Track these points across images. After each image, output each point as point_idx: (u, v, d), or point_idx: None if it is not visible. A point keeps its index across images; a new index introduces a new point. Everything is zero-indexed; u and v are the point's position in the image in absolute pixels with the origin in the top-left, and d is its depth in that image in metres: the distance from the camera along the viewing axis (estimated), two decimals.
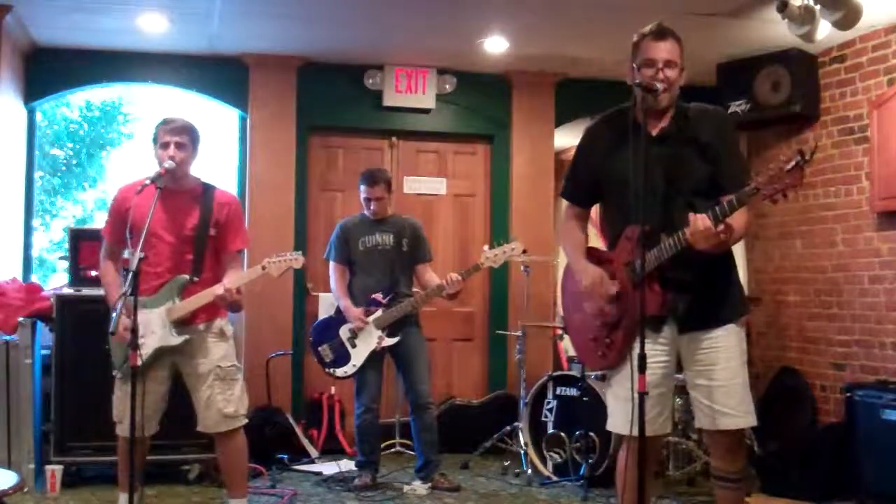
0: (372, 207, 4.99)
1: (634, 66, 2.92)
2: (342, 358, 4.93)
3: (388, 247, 4.99)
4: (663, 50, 2.89)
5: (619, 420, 2.96)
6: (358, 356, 4.90)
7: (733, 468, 2.99)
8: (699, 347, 2.93)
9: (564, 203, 3.28)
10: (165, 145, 3.68)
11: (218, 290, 3.63)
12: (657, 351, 2.92)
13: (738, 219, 2.74)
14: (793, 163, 2.48)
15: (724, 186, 2.83)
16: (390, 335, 4.88)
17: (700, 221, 2.65)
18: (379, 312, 4.90)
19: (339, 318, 4.99)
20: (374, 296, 4.93)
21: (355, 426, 5.01)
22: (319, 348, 4.99)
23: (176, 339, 3.67)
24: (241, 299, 3.69)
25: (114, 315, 3.47)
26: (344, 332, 4.94)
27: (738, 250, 3.11)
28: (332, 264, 5.08)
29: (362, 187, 5.01)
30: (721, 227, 2.66)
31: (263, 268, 3.74)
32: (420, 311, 5.09)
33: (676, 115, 2.95)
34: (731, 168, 2.88)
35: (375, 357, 4.91)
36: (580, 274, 3.08)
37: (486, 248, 4.92)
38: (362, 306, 4.92)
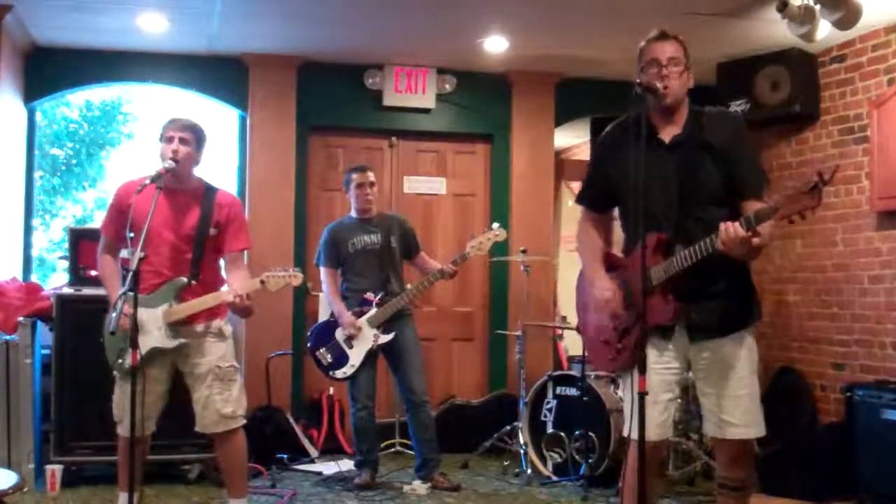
0: (366, 194, 5.02)
1: (640, 70, 2.92)
2: (340, 359, 4.95)
3: (377, 246, 5.02)
4: (665, 50, 2.89)
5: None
6: (356, 356, 4.92)
7: (737, 477, 2.98)
8: (710, 355, 2.92)
9: (581, 208, 3.26)
10: (169, 140, 3.69)
11: (227, 296, 3.63)
12: (667, 357, 2.92)
13: (765, 227, 2.70)
14: (813, 185, 2.47)
15: (740, 193, 2.81)
16: (385, 332, 4.91)
17: (732, 230, 2.62)
18: (372, 311, 4.92)
19: (334, 321, 5.03)
20: (366, 295, 4.95)
21: (352, 425, 5.03)
22: (317, 352, 5.01)
23: (171, 343, 3.66)
24: (252, 305, 3.69)
25: (113, 315, 3.47)
26: (340, 335, 4.97)
27: None
28: (323, 269, 5.11)
29: (354, 176, 5.05)
30: (751, 233, 2.62)
31: (262, 282, 3.72)
32: (413, 309, 5.13)
33: (690, 121, 2.94)
34: (748, 174, 2.85)
35: (371, 355, 4.94)
36: (593, 284, 3.07)
37: (470, 238, 4.97)
38: (356, 307, 4.95)
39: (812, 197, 2.48)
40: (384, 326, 4.91)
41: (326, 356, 4.98)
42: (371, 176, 5.08)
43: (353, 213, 5.12)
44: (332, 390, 6.00)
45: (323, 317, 6.01)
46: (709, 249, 2.72)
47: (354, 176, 5.05)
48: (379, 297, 4.94)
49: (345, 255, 5.04)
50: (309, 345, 5.09)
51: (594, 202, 3.19)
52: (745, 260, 2.82)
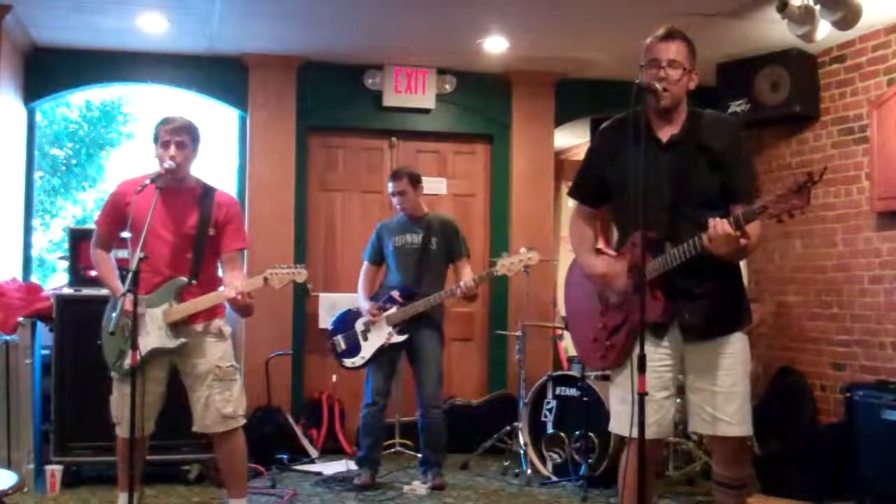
0: (396, 202, 5.09)
1: (641, 67, 2.92)
2: (353, 349, 5.03)
3: (415, 246, 5.04)
4: (667, 50, 2.88)
5: (622, 422, 2.96)
6: (367, 349, 4.97)
7: (735, 475, 2.98)
8: (704, 354, 2.92)
9: (572, 202, 3.26)
10: (166, 145, 3.67)
11: (229, 292, 3.62)
12: (660, 355, 2.92)
13: (752, 229, 2.71)
14: (801, 184, 2.47)
15: (732, 199, 2.82)
16: (400, 333, 4.92)
17: (720, 226, 2.63)
18: (392, 310, 4.94)
19: (357, 311, 5.11)
20: (392, 293, 4.99)
21: (360, 419, 5.06)
22: (334, 338, 5.11)
23: (172, 342, 3.66)
24: (252, 303, 3.69)
25: (114, 315, 3.47)
26: (359, 325, 5.04)
27: None
28: (364, 263, 5.23)
29: (388, 183, 5.14)
30: (739, 233, 2.64)
31: (266, 279, 3.72)
32: (443, 313, 5.10)
33: (688, 122, 2.94)
34: (741, 181, 2.85)
35: (385, 352, 4.96)
36: (590, 266, 3.06)
37: (503, 254, 4.96)
38: (381, 303, 5.00)
39: (801, 197, 2.48)
40: (401, 327, 4.92)
41: (341, 343, 5.07)
42: (401, 184, 5.06)
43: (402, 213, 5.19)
44: (335, 377, 5.98)
45: (322, 317, 6.05)
46: (697, 249, 2.73)
47: (388, 184, 5.15)
48: (404, 296, 4.95)
49: (386, 253, 5.12)
50: (329, 329, 5.20)
51: (586, 196, 3.18)
52: (730, 260, 2.81)
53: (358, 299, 5.13)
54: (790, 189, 2.49)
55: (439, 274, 5.08)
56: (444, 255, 5.07)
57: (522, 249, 4.89)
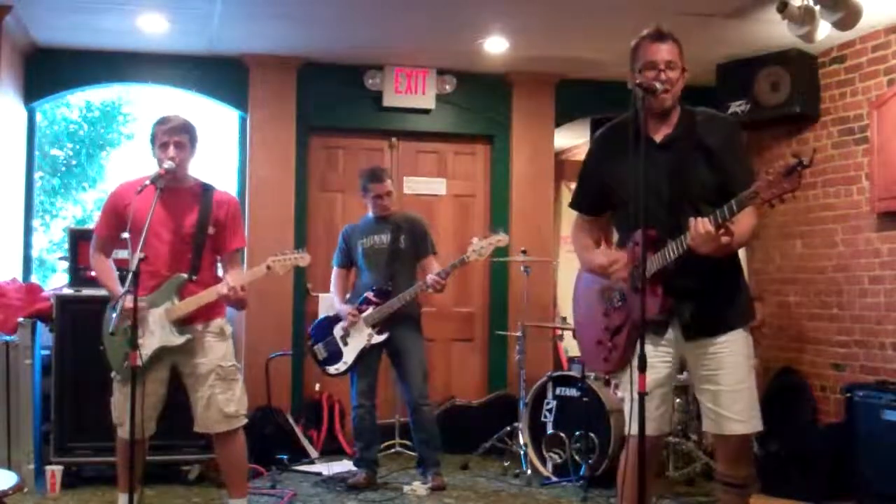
0: (382, 203, 5.03)
1: (635, 69, 2.91)
2: (335, 356, 5.00)
3: (384, 245, 5.01)
4: (663, 51, 2.88)
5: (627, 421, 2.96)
6: (349, 354, 4.95)
7: (738, 474, 2.98)
8: (706, 352, 2.92)
9: (574, 214, 3.26)
10: (164, 146, 3.67)
11: (222, 288, 3.62)
12: (660, 353, 2.92)
13: (742, 222, 2.72)
14: (791, 168, 2.48)
15: (732, 194, 2.79)
16: (380, 333, 4.91)
17: (700, 225, 2.64)
18: (370, 310, 4.92)
19: (334, 316, 5.06)
20: (366, 294, 4.96)
21: (352, 422, 5.06)
22: (315, 347, 5.08)
23: (178, 339, 3.65)
24: (245, 297, 3.69)
25: (114, 316, 3.47)
26: (337, 331, 5.01)
27: (741, 251, 3.09)
28: (334, 269, 5.17)
29: (370, 185, 5.03)
30: (722, 230, 2.64)
31: (268, 267, 3.72)
32: (419, 309, 5.09)
33: (682, 121, 2.94)
34: (739, 176, 2.84)
35: (367, 354, 4.94)
36: (590, 261, 3.06)
37: (474, 240, 4.88)
38: (356, 305, 4.96)
39: (791, 180, 2.48)
40: (381, 326, 4.91)
41: (322, 351, 5.04)
42: (388, 185, 5.05)
43: (370, 213, 5.13)
44: (318, 386, 6.01)
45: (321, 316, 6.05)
46: (683, 248, 2.73)
47: (371, 186, 5.03)
48: (379, 296, 4.94)
49: (356, 255, 5.08)
50: (309, 339, 5.15)
51: (585, 206, 3.20)
52: (717, 257, 2.79)
53: (334, 304, 5.07)
54: (780, 173, 2.49)
55: (410, 271, 5.04)
56: (413, 253, 5.04)
57: (493, 233, 4.87)
